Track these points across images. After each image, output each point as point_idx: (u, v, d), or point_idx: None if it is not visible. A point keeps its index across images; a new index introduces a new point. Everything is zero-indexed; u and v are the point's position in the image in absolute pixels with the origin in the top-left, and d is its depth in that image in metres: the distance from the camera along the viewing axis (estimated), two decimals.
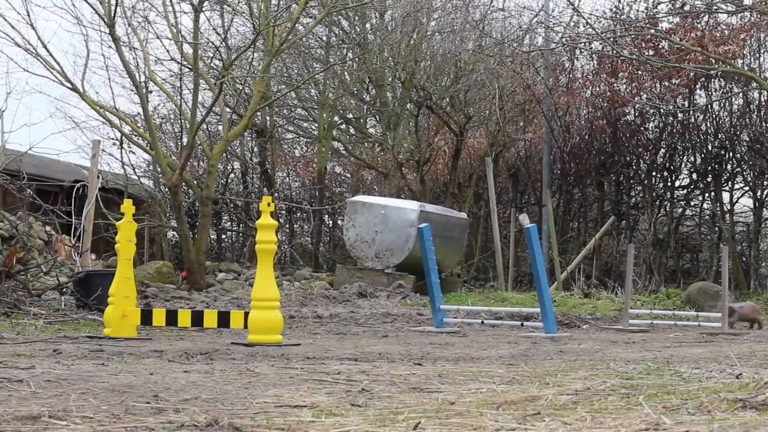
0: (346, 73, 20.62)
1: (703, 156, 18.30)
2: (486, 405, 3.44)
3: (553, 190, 18.90)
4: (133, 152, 21.10)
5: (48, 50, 14.91)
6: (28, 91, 34.70)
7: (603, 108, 18.70)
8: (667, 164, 18.58)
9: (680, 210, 18.95)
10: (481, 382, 4.31)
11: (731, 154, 18.15)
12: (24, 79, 34.36)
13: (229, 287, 14.26)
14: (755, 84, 16.69)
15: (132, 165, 21.18)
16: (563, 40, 18.59)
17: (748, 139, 17.91)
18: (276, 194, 20.34)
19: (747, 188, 18.18)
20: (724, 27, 17.53)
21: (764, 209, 18.14)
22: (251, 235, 19.30)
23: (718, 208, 18.06)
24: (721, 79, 17.84)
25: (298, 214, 21.98)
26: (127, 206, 7.89)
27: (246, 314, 7.13)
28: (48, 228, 13.06)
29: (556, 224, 17.46)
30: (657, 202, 18.57)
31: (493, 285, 17.42)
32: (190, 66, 14.96)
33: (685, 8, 16.63)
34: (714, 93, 18.32)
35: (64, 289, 10.53)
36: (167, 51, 21.14)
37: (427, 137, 19.41)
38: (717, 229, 18.09)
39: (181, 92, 17.66)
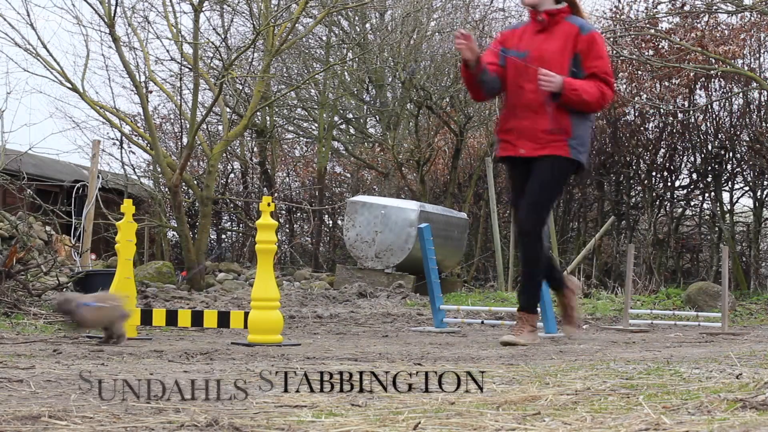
0: (346, 73, 20.63)
1: (703, 156, 18.30)
2: (486, 405, 3.44)
3: None
4: (133, 152, 21.16)
5: (48, 50, 14.93)
6: (28, 91, 34.65)
7: (603, 108, 18.69)
8: (667, 164, 18.58)
9: (680, 210, 18.95)
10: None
11: (731, 154, 18.15)
12: (24, 79, 34.40)
13: (229, 287, 14.26)
14: (755, 84, 16.69)
15: (132, 165, 21.24)
16: None
17: (748, 139, 17.91)
18: (276, 194, 20.34)
19: (747, 188, 18.18)
20: (724, 27, 17.53)
21: (764, 209, 18.13)
22: (251, 235, 19.30)
23: (718, 208, 18.06)
24: (721, 79, 17.83)
25: (298, 214, 21.98)
26: (127, 206, 7.89)
27: (246, 314, 7.13)
28: (48, 228, 13.07)
29: (556, 224, 17.46)
30: (657, 202, 18.57)
31: (493, 285, 17.43)
32: (190, 66, 14.96)
33: (685, 8, 16.63)
34: (714, 93, 18.32)
35: (64, 289, 10.53)
36: (167, 51, 21.18)
37: (427, 137, 19.41)
38: (717, 229, 18.09)
39: (181, 92, 17.67)
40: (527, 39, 6.68)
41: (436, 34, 19.89)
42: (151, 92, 17.95)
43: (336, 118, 21.41)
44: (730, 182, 18.21)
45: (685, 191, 18.81)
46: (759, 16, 16.85)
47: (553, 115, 6.56)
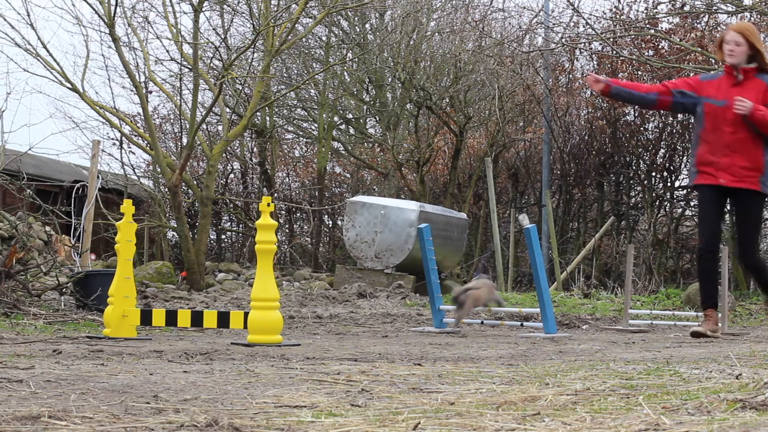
0: (345, 73, 20.63)
1: None
2: (486, 405, 3.44)
3: (552, 190, 18.91)
4: (133, 152, 21.14)
5: (48, 50, 14.91)
6: (28, 91, 34.64)
7: (603, 108, 18.70)
8: (667, 164, 18.59)
9: (680, 210, 18.96)
10: (480, 382, 4.31)
11: None
12: (24, 79, 34.36)
13: (229, 287, 14.26)
14: None
15: (132, 165, 21.20)
16: (563, 40, 18.59)
17: None
18: (276, 194, 20.34)
19: None
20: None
21: (764, 209, 18.12)
22: (251, 235, 19.30)
23: None
24: None
25: (298, 214, 21.98)
26: (127, 206, 7.89)
27: (246, 314, 7.13)
28: (48, 228, 13.06)
29: (555, 224, 17.46)
30: (657, 203, 18.57)
31: None
32: (190, 66, 14.96)
33: (685, 8, 16.63)
34: None
35: (64, 289, 10.53)
36: (167, 51, 21.16)
37: (426, 137, 19.41)
38: None
39: (181, 92, 17.66)
40: (724, 90, 8.19)
41: (436, 34, 19.88)
42: (150, 92, 17.96)
43: (336, 118, 21.41)
44: None
45: (684, 191, 18.81)
46: (759, 16, 16.85)
47: (750, 155, 8.06)
